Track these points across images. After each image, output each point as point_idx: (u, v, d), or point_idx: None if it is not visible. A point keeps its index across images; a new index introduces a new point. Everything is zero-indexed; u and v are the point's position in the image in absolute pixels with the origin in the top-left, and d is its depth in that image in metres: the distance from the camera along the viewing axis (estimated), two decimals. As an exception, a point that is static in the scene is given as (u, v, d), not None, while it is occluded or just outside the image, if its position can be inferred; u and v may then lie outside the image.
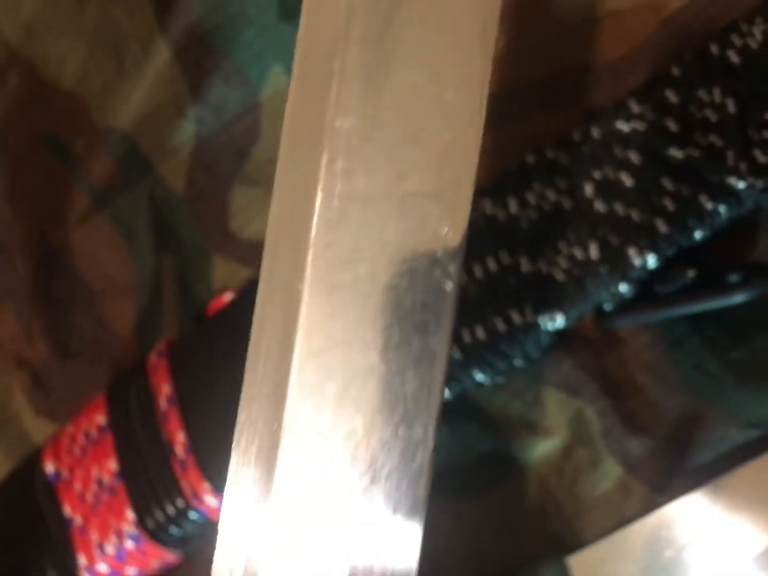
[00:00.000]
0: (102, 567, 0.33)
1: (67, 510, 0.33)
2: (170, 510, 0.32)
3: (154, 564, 0.34)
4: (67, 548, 0.33)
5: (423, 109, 0.21)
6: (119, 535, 0.32)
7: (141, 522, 0.32)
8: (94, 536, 0.33)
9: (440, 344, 0.21)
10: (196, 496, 0.31)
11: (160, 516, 0.32)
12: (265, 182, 0.35)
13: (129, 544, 0.32)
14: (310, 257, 0.21)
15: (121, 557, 0.33)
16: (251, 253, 0.36)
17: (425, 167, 0.21)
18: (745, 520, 0.28)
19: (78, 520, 0.33)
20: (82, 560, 0.33)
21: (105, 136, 0.38)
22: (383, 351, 0.21)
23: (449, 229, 0.21)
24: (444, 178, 0.21)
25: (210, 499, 0.31)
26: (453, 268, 0.21)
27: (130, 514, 0.32)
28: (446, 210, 0.21)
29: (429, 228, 0.21)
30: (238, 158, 0.36)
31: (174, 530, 0.32)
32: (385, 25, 0.21)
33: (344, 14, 0.21)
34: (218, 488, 0.31)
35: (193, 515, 0.32)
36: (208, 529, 0.32)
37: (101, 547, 0.33)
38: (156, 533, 0.32)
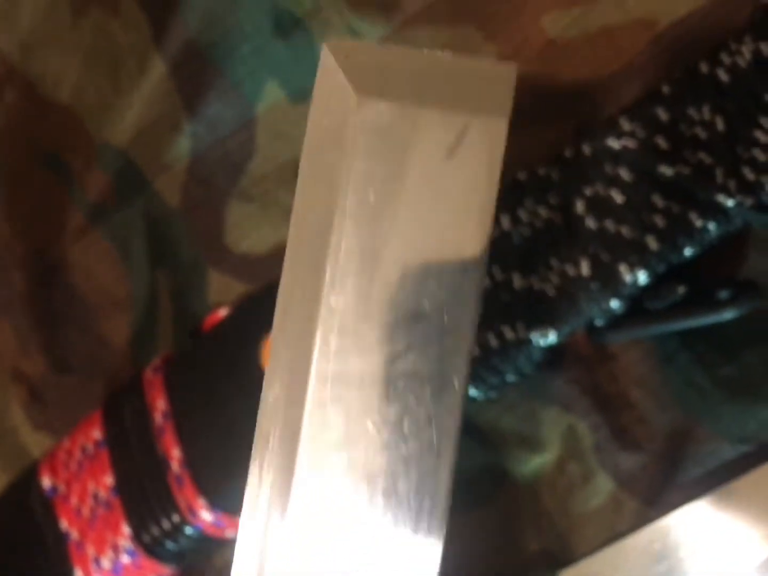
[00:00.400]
0: (98, 581, 0.33)
1: (64, 524, 0.33)
2: (166, 525, 0.32)
3: (150, 578, 0.34)
4: (64, 562, 0.33)
5: (420, 287, 0.20)
6: (115, 549, 0.33)
7: (137, 537, 0.32)
8: (90, 550, 0.33)
9: (436, 531, 0.21)
10: (192, 511, 0.31)
11: (155, 531, 0.32)
12: (260, 197, 0.36)
13: (125, 559, 0.33)
14: (302, 440, 0.20)
15: (117, 571, 0.33)
16: (246, 267, 0.36)
17: (420, 348, 0.20)
18: (742, 530, 0.28)
19: (74, 534, 0.33)
20: (78, 574, 0.33)
21: (101, 151, 0.38)
22: (376, 536, 0.21)
23: (444, 411, 0.21)
24: (440, 360, 0.20)
25: (205, 514, 0.31)
26: (448, 454, 0.21)
27: (126, 529, 0.32)
28: (441, 391, 0.21)
29: (423, 415, 0.20)
30: (233, 173, 0.36)
31: (170, 545, 0.32)
32: (382, 200, 0.20)
33: (341, 188, 0.20)
34: (213, 503, 0.31)
35: (188, 530, 0.32)
36: (203, 543, 0.32)
37: (97, 561, 0.33)
38: (152, 548, 0.32)
